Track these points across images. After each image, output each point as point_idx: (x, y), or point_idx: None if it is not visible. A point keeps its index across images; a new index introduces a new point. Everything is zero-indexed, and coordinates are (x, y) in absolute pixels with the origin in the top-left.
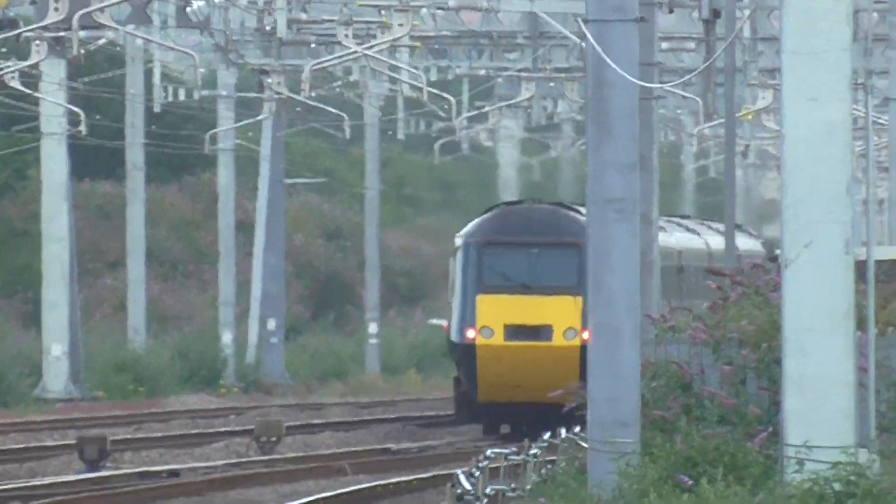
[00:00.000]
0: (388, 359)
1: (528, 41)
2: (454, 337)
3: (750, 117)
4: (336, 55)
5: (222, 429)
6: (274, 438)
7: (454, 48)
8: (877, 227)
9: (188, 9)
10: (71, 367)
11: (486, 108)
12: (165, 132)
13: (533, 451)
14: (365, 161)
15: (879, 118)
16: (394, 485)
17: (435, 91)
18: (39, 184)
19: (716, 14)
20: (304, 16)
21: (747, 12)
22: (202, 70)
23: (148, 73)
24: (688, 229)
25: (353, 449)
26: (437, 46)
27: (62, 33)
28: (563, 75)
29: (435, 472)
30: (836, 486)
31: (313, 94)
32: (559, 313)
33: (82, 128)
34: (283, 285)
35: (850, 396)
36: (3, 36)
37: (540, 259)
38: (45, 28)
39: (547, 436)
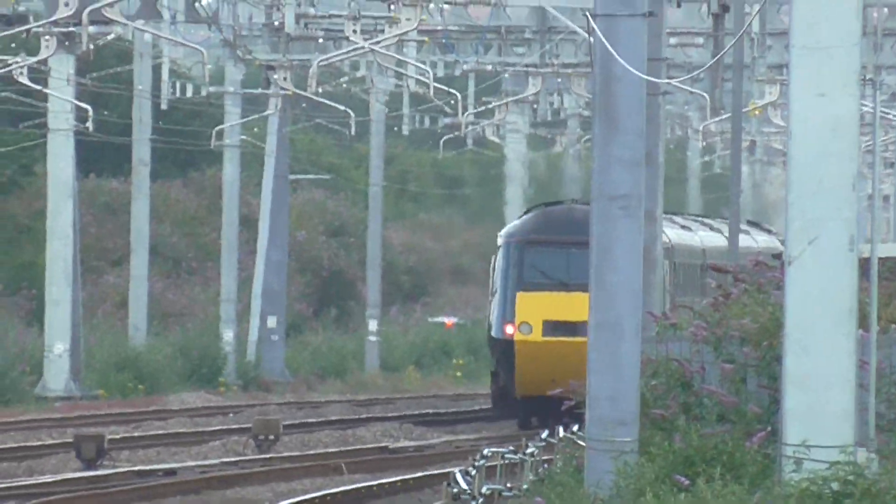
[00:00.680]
0: (387, 356)
1: (535, 36)
2: (494, 332)
3: (757, 112)
4: (343, 50)
5: (220, 427)
6: (272, 437)
7: (462, 43)
8: (881, 223)
9: (197, 4)
10: (72, 364)
11: (493, 104)
12: (172, 128)
13: (530, 450)
14: (369, 157)
15: (888, 114)
16: (390, 484)
17: (441, 86)
18: (45, 180)
19: (724, 9)
20: (312, 11)
21: (756, 7)
22: (209, 66)
23: (156, 69)
24: (712, 228)
25: (351, 448)
26: (444, 41)
27: (72, 28)
28: (570, 70)
29: (432, 472)
30: (834, 486)
31: (320, 90)
32: None
33: (89, 124)
34: (285, 282)
35: (850, 395)
36: (12, 31)
37: (578, 257)
38: (54, 23)
39: (545, 434)
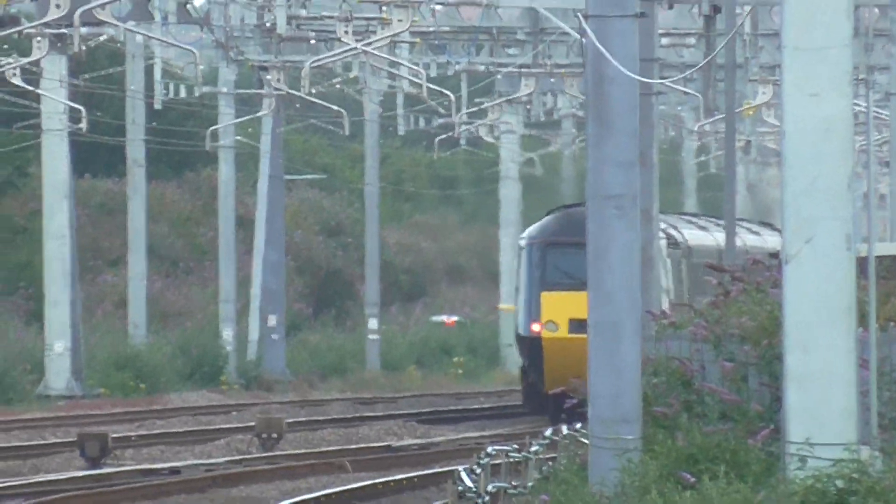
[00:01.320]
0: (388, 355)
1: (527, 37)
2: (521, 330)
3: (751, 112)
4: (335, 52)
5: (223, 426)
6: (275, 435)
7: (454, 44)
8: (878, 222)
9: (188, 5)
10: (73, 364)
11: (486, 105)
12: (166, 128)
13: (534, 448)
14: (364, 157)
15: (880, 113)
16: (396, 482)
17: (434, 87)
18: (40, 181)
19: (716, 9)
20: (303, 12)
21: (748, 8)
22: (202, 67)
23: (149, 70)
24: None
25: (355, 446)
26: (436, 42)
27: (63, 30)
28: (562, 71)
29: (436, 469)
30: (839, 484)
31: (313, 91)
32: None
33: (83, 125)
34: (283, 281)
35: (851, 393)
36: (4, 32)
37: None
38: (46, 25)
39: (548, 432)
